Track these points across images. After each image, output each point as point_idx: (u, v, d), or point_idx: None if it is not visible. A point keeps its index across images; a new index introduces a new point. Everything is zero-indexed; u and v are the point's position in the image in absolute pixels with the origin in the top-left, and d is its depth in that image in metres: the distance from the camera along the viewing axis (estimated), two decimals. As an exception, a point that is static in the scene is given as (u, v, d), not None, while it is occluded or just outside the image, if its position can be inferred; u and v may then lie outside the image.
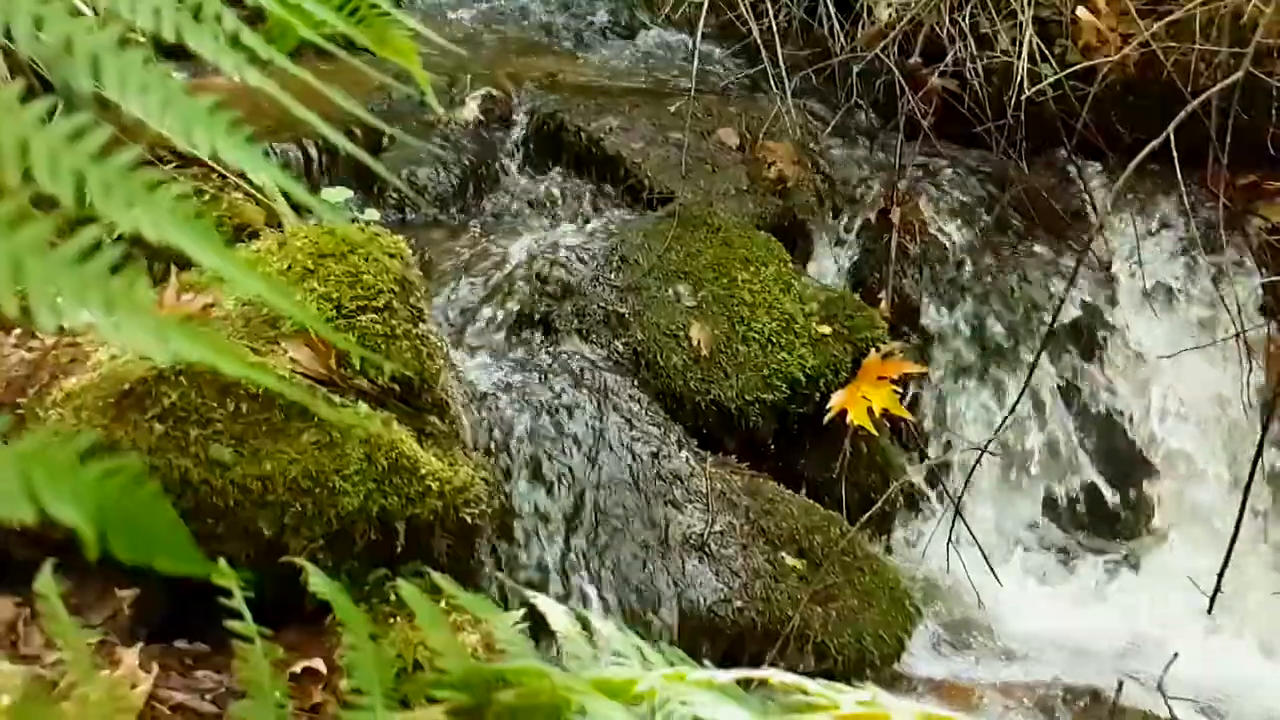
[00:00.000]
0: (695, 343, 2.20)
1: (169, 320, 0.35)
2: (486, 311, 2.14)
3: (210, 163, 2.17)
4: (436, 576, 0.74)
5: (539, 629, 0.81)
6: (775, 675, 0.62)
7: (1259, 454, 1.92)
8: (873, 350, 2.25)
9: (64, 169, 0.36)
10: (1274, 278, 2.16)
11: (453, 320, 2.12)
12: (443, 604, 1.55)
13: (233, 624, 0.56)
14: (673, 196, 2.43)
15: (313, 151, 2.37)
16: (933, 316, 2.43)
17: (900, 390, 2.19)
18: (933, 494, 2.30)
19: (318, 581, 0.63)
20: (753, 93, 2.84)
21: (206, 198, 2.14)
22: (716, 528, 1.96)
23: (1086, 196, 2.55)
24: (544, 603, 0.75)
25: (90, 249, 0.35)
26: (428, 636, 0.64)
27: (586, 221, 2.45)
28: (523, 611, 0.74)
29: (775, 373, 2.21)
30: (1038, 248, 2.50)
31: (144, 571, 1.60)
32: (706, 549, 1.93)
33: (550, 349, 2.13)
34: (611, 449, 2.00)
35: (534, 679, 0.58)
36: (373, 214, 1.95)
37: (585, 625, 0.74)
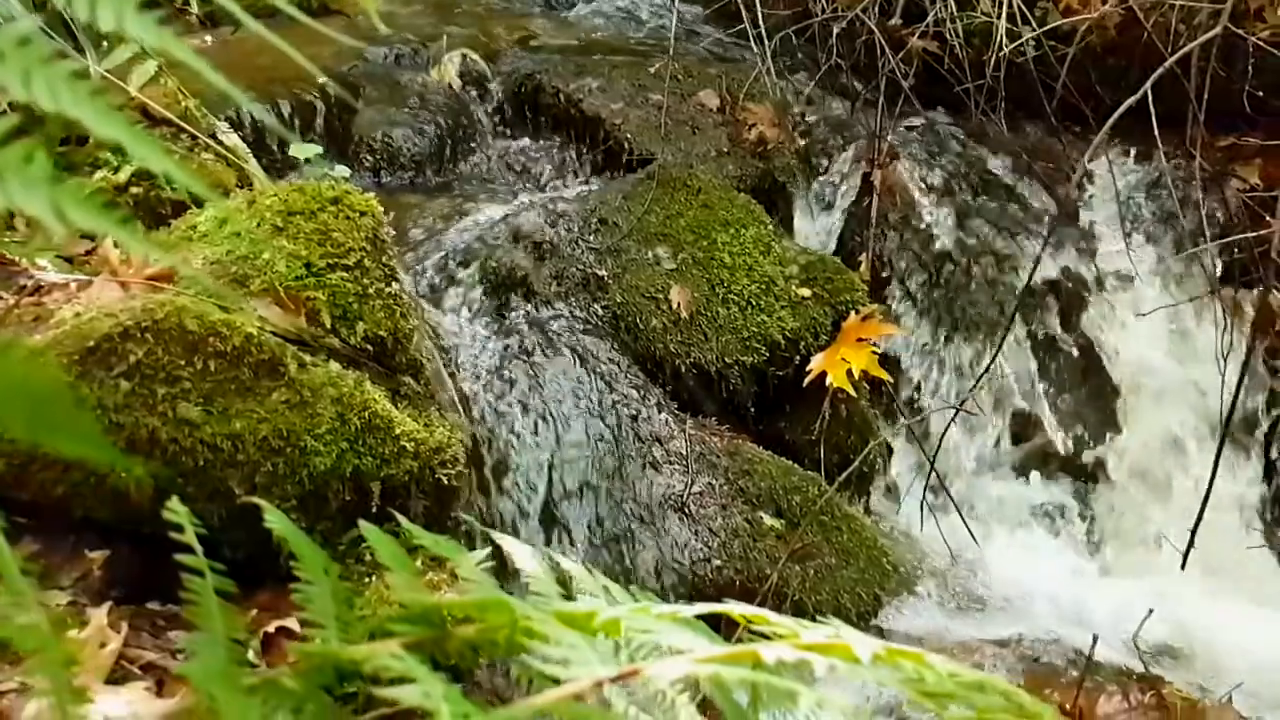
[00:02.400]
0: (675, 305, 2.19)
1: (67, 191, 0.33)
2: (464, 274, 2.12)
3: (180, 123, 2.13)
4: (404, 521, 0.73)
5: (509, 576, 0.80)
6: (738, 608, 0.61)
7: (1231, 412, 1.93)
8: (852, 313, 2.25)
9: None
10: (1248, 234, 2.16)
11: (430, 282, 2.09)
12: (419, 563, 1.54)
13: (182, 557, 0.54)
14: (652, 158, 2.40)
15: (285, 112, 2.34)
16: (912, 278, 2.42)
17: (879, 351, 2.19)
18: (910, 454, 2.30)
19: (273, 519, 0.61)
20: (733, 55, 2.82)
21: (176, 158, 2.10)
22: (696, 488, 1.96)
23: (1065, 157, 2.53)
24: (510, 543, 0.74)
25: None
26: (390, 575, 0.63)
27: (565, 183, 2.43)
28: (488, 550, 0.73)
29: (755, 335, 2.20)
30: (1017, 209, 2.50)
31: (116, 533, 1.58)
32: (686, 509, 1.93)
33: (528, 312, 2.11)
34: (591, 411, 1.99)
35: (495, 611, 0.57)
36: (343, 170, 1.92)
37: (552, 566, 0.73)
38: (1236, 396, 1.92)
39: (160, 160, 0.35)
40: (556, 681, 0.48)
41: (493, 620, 0.59)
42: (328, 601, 0.56)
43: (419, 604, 0.59)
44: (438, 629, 0.60)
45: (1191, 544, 1.94)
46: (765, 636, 0.59)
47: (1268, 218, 2.08)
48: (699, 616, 0.64)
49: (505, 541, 0.77)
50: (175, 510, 0.58)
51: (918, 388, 2.37)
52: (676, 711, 0.54)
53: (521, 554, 0.74)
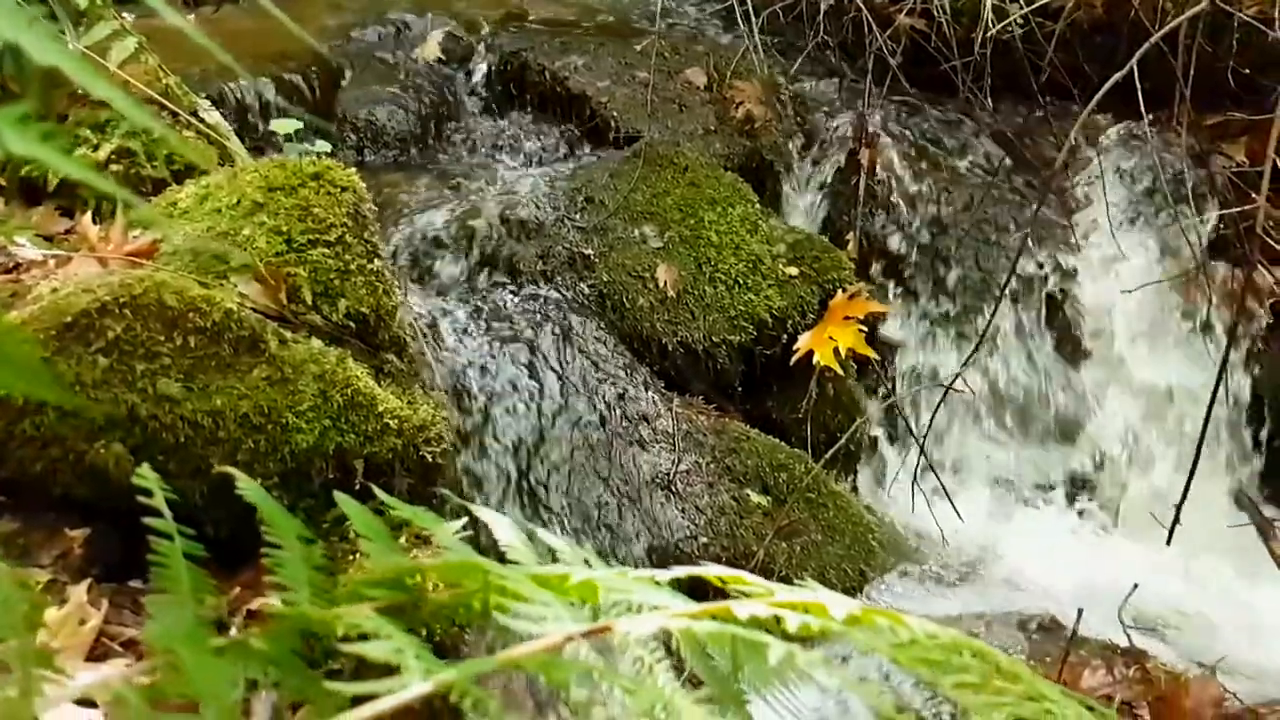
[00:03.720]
0: (662, 284, 2.18)
1: (5, 116, 0.32)
2: (449, 253, 2.11)
3: (162, 100, 2.11)
4: (380, 493, 0.72)
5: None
6: (715, 570, 0.61)
7: (1216, 388, 1.93)
8: (840, 291, 2.24)
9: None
10: (1232, 209, 2.17)
11: (414, 261, 2.08)
12: (403, 540, 1.54)
13: (150, 520, 0.54)
14: (639, 136, 2.39)
15: (268, 90, 2.31)
16: (900, 256, 2.42)
17: (867, 330, 2.18)
18: (898, 433, 2.31)
19: (246, 486, 0.61)
20: (720, 33, 2.80)
21: (155, 135, 2.08)
22: (683, 467, 1.96)
23: (1053, 135, 2.53)
24: (489, 515, 0.74)
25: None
26: (366, 544, 0.62)
27: (551, 162, 2.41)
28: (464, 520, 0.72)
29: (742, 314, 2.19)
30: (1004, 186, 2.49)
31: (96, 512, 1.57)
32: (673, 487, 1.93)
33: (514, 290, 2.10)
34: (577, 390, 1.98)
35: (470, 574, 0.57)
36: (323, 145, 1.90)
37: (532, 538, 0.73)
38: (1222, 372, 1.93)
39: (99, 86, 0.34)
40: (528, 638, 0.48)
41: (468, 584, 0.58)
42: (300, 567, 0.56)
43: (392, 569, 0.58)
44: (412, 594, 0.59)
45: (1177, 519, 1.94)
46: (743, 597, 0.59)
47: (1253, 194, 2.08)
48: (676, 581, 0.63)
49: (484, 514, 0.76)
50: (145, 476, 0.57)
51: (909, 366, 2.37)
52: (655, 677, 0.53)
53: (500, 526, 0.73)
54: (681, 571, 0.64)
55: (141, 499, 0.58)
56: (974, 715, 0.60)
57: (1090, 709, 0.64)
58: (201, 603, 0.51)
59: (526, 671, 0.47)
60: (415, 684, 0.42)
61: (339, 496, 0.68)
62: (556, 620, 0.49)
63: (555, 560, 0.70)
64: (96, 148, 2.00)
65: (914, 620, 0.63)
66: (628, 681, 0.45)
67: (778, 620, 0.56)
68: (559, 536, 0.74)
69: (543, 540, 0.75)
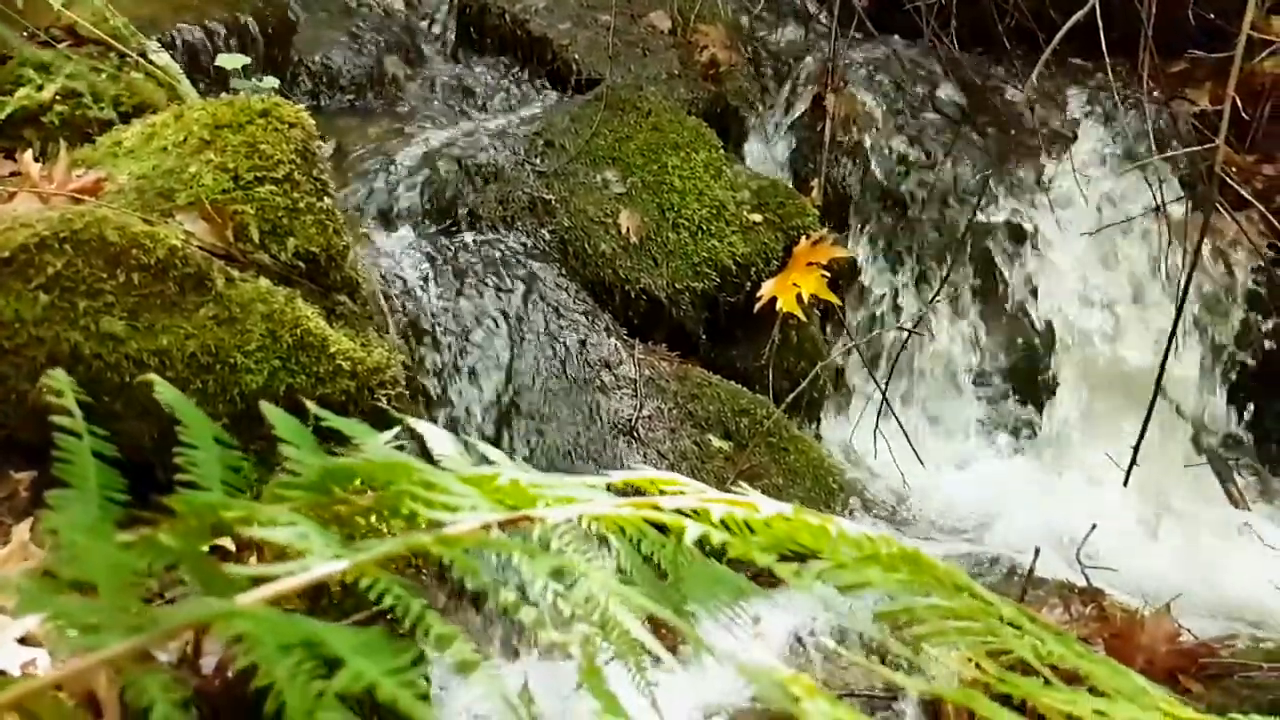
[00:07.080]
0: (624, 230, 2.16)
1: None
2: (407, 199, 2.07)
3: (110, 40, 2.05)
4: (311, 405, 0.70)
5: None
6: (649, 473, 0.60)
7: (1173, 332, 1.95)
8: (803, 238, 2.23)
9: None
10: (1191, 149, 2.17)
11: (371, 206, 2.04)
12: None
13: (58, 419, 0.52)
14: (601, 80, 2.35)
15: (220, 33, 2.25)
16: (864, 203, 2.41)
17: (829, 276, 2.18)
18: (860, 379, 2.31)
19: (161, 388, 0.59)
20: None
21: (104, 76, 2.02)
22: (645, 412, 1.95)
23: (1017, 82, 2.51)
24: (425, 427, 0.72)
25: None
26: (285, 447, 0.60)
27: (511, 106, 2.37)
28: (396, 430, 0.71)
29: (705, 261, 2.18)
30: (968, 131, 2.48)
31: (43, 454, 1.53)
32: (635, 433, 1.92)
33: (473, 236, 2.07)
34: (538, 337, 1.96)
35: (395, 474, 0.55)
36: (271, 81, 1.85)
37: (472, 450, 0.71)
38: (1179, 314, 1.94)
39: None
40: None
41: (394, 488, 0.57)
42: (214, 466, 0.54)
43: (312, 469, 0.56)
44: (335, 495, 0.57)
45: (1134, 461, 1.97)
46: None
47: (1216, 139, 2.08)
48: (611, 487, 0.62)
49: (419, 425, 0.74)
50: (55, 378, 0.55)
51: (871, 312, 2.37)
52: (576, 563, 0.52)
53: (436, 437, 0.72)
54: (616, 476, 0.63)
55: (52, 398, 0.56)
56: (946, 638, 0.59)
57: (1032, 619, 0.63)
58: (112, 501, 0.49)
59: (433, 556, 0.45)
60: (317, 565, 0.41)
61: (264, 405, 0.66)
62: (476, 512, 0.47)
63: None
64: (41, 88, 1.94)
65: (846, 523, 0.63)
66: (528, 548, 0.44)
67: (706, 518, 0.55)
68: (497, 450, 0.72)
69: (480, 452, 0.74)
